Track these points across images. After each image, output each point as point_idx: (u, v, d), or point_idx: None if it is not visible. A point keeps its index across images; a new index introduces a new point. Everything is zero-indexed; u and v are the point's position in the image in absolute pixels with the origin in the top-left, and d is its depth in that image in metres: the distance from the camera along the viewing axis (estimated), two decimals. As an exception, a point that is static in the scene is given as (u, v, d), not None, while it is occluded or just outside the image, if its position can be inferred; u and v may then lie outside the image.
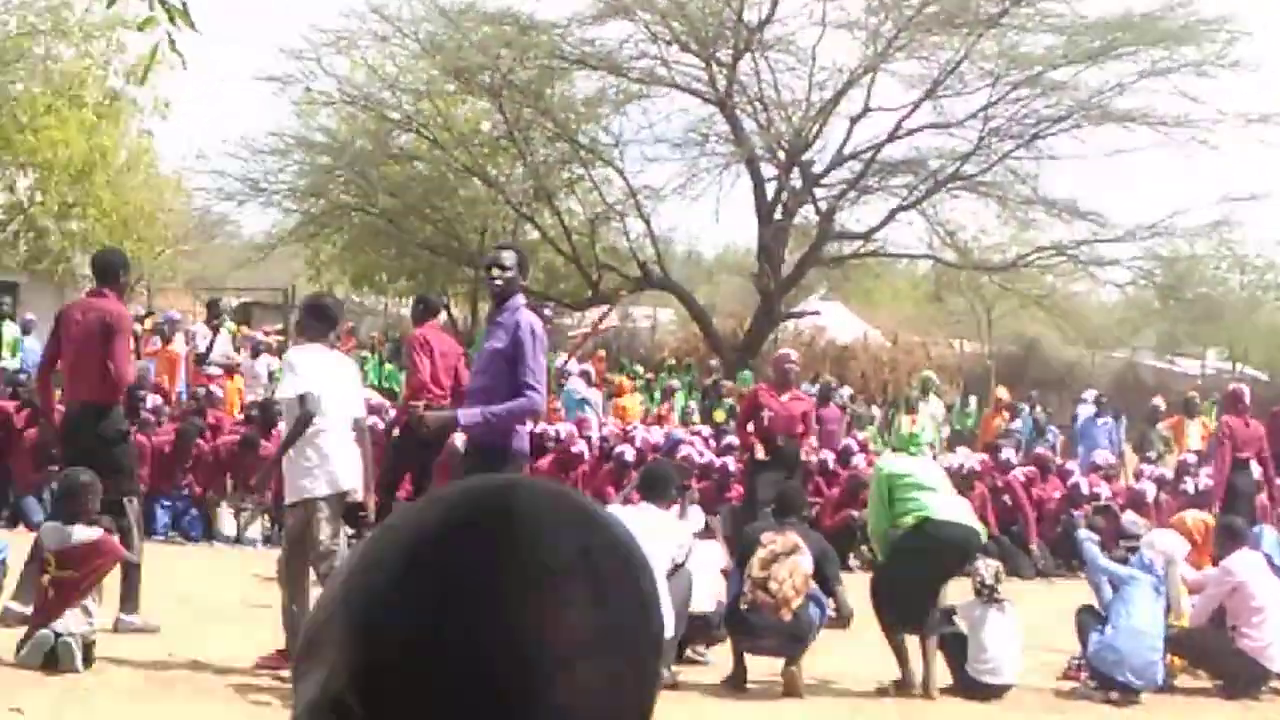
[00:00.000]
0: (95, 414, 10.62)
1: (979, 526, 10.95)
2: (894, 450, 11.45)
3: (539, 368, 9.27)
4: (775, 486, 13.71)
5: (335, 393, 9.62)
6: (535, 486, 1.24)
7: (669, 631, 9.51)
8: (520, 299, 9.47)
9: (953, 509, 10.76)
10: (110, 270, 10.90)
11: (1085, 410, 25.83)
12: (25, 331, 22.12)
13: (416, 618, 1.14)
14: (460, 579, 1.15)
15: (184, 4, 5.02)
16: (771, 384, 16.00)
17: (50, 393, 11.49)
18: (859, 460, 18.77)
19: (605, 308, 19.46)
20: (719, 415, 24.74)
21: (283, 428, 10.21)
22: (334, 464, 9.52)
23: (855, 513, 16.38)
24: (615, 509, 10.41)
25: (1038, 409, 26.50)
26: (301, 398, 9.40)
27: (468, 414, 9.33)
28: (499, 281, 9.46)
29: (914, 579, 10.53)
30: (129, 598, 10.54)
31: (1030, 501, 18.72)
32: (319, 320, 10.09)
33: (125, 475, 10.77)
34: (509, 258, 9.61)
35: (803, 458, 15.88)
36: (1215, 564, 11.87)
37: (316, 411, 9.40)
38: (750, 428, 15.44)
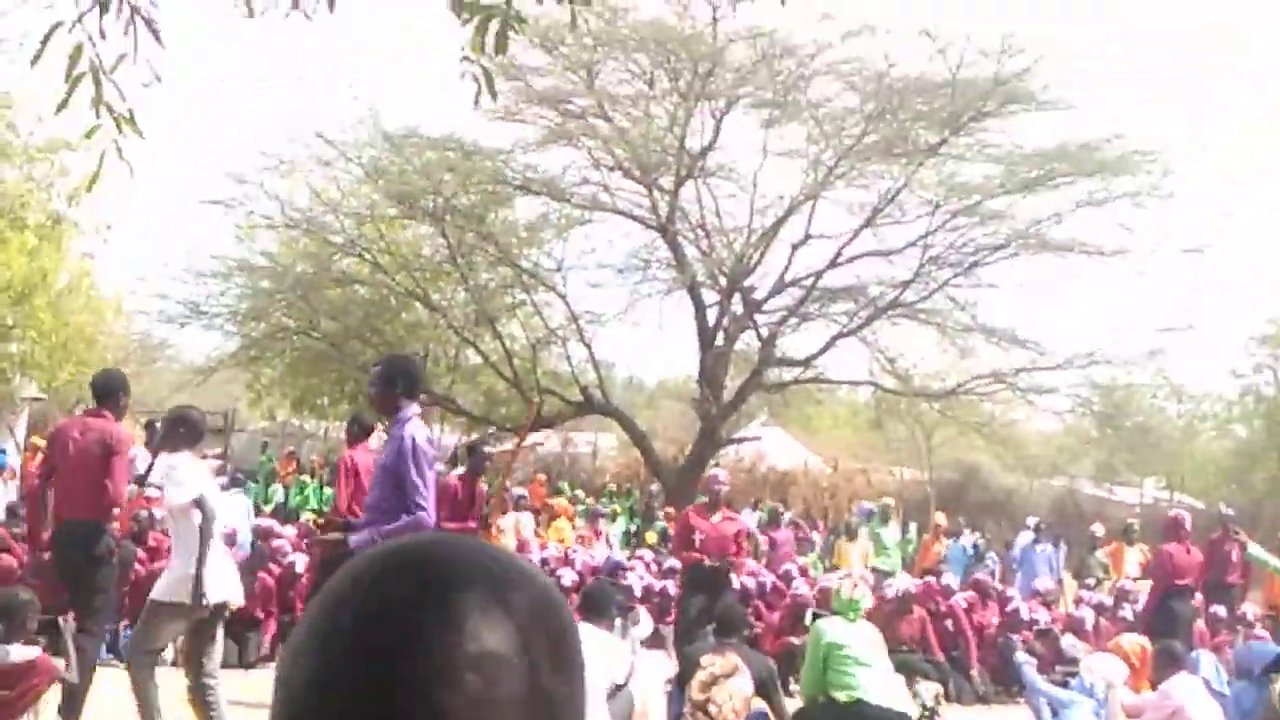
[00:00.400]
0: (90, 532, 10.74)
1: (910, 710, 10.87)
2: (834, 612, 11.41)
3: (423, 482, 9.17)
4: (703, 607, 13.77)
5: (214, 501, 9.82)
6: (451, 537, 1.40)
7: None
8: (408, 412, 9.36)
9: (887, 691, 10.73)
10: (110, 391, 11.12)
11: (1025, 537, 25.99)
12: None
13: (324, 654, 1.29)
14: (367, 612, 1.30)
15: (130, 112, 5.07)
16: (701, 506, 16.01)
17: (40, 510, 11.49)
18: (800, 585, 18.75)
19: (526, 426, 19.48)
20: (650, 537, 24.82)
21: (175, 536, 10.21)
22: (212, 574, 9.69)
23: (796, 640, 16.34)
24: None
25: (976, 534, 26.61)
26: (197, 501, 9.53)
27: (358, 536, 9.32)
28: (373, 395, 9.54)
29: None
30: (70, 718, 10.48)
31: (971, 626, 18.76)
32: (189, 430, 10.22)
33: (106, 595, 10.94)
34: (375, 371, 9.65)
35: (735, 579, 15.89)
36: (1153, 688, 11.90)
37: (214, 515, 9.53)
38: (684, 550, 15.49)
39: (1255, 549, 15.47)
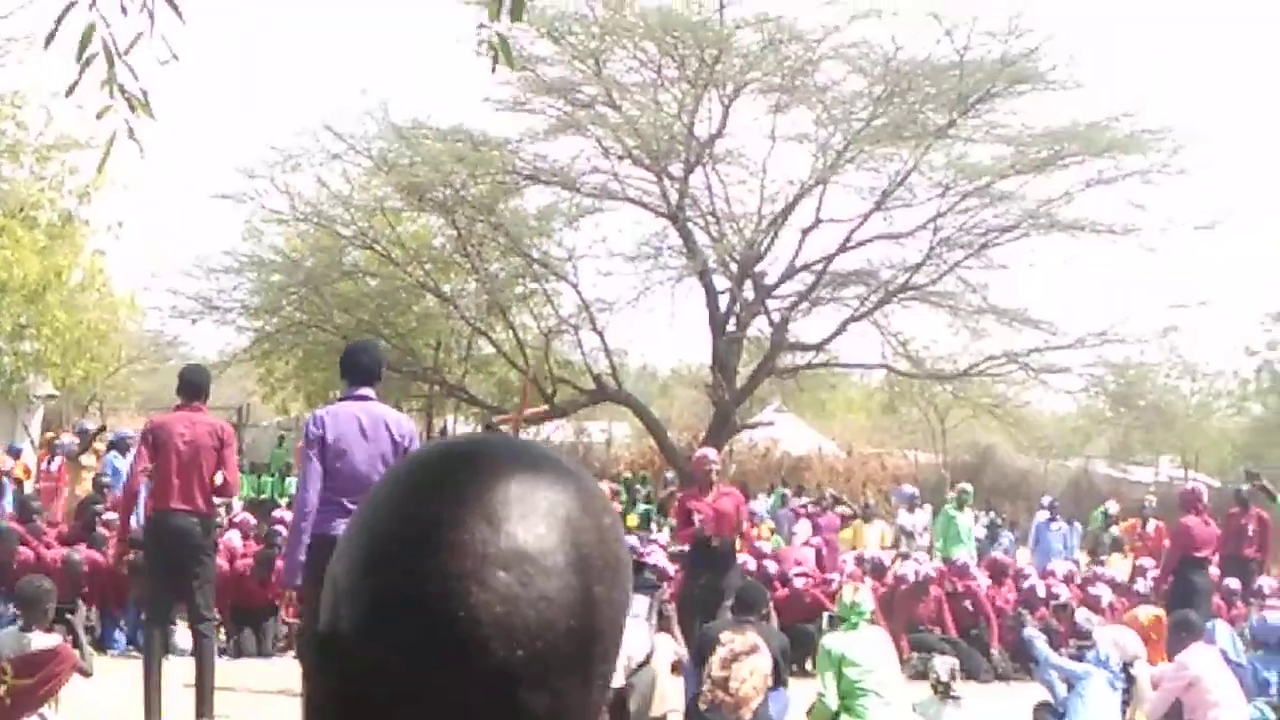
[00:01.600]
0: (202, 524, 10.90)
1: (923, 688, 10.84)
2: (837, 618, 11.40)
3: (302, 467, 9.72)
4: (712, 587, 13.83)
5: None
6: (496, 436, 1.40)
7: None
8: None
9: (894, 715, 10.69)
10: (203, 385, 11.39)
11: (1040, 516, 26.04)
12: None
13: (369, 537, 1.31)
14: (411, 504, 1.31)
15: (144, 94, 5.09)
16: (695, 488, 15.99)
17: (131, 508, 11.61)
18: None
19: (524, 398, 19.47)
20: (631, 520, 24.95)
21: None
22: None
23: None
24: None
25: (991, 514, 26.64)
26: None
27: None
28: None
29: None
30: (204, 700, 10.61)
31: (989, 605, 18.83)
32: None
33: (212, 587, 11.14)
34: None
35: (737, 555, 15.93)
36: (1170, 659, 11.91)
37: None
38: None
39: None
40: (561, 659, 1.26)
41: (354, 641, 1.27)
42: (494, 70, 5.46)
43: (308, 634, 1.32)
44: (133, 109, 5.09)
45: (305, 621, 11.47)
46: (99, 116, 5.12)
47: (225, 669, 12.20)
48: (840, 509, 26.81)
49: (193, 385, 11.28)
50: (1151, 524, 24.00)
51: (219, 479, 10.93)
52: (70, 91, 5.02)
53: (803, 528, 25.37)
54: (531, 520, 1.27)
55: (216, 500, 11.34)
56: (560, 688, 1.26)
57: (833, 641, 10.94)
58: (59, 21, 4.75)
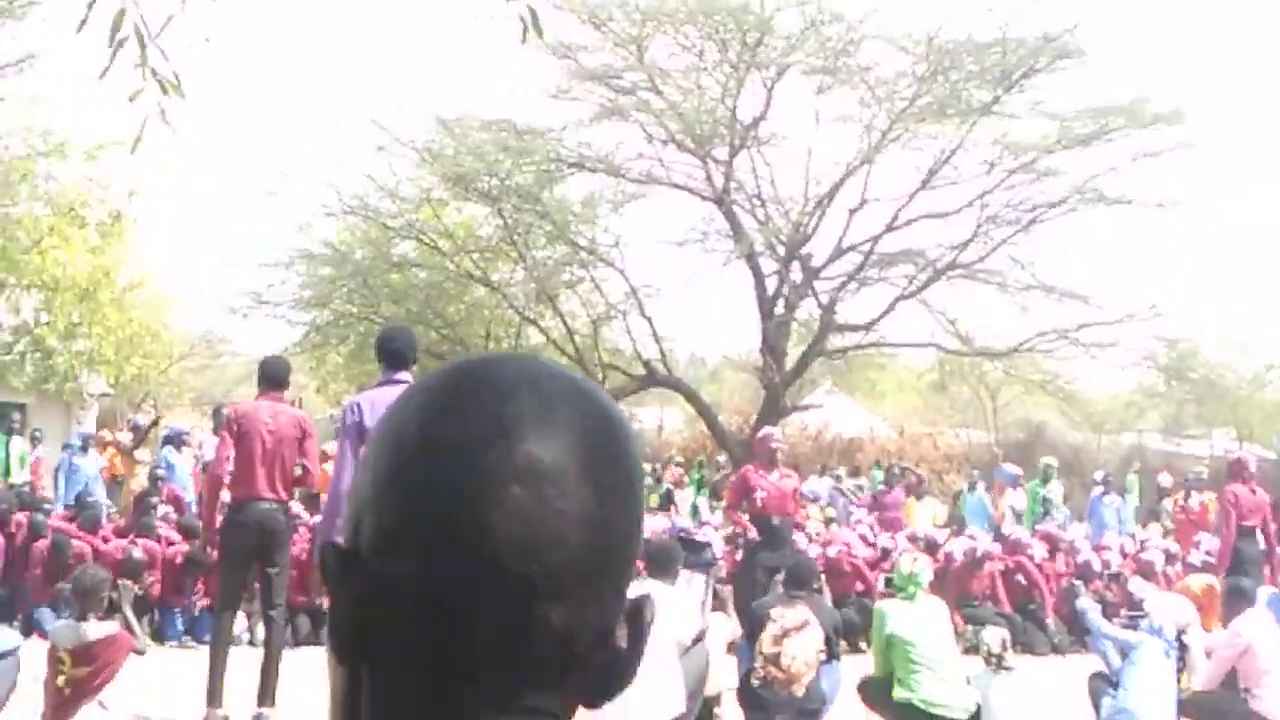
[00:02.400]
0: (285, 512, 11.08)
1: (970, 703, 10.78)
2: (894, 585, 11.37)
3: (339, 454, 9.68)
4: (773, 566, 13.83)
5: None
6: (514, 355, 1.42)
7: (679, 709, 9.54)
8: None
9: (945, 690, 10.64)
10: (284, 376, 11.64)
11: (1095, 491, 25.97)
12: (35, 443, 22.26)
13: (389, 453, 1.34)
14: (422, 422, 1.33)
15: (176, 76, 5.14)
16: (759, 465, 16.00)
17: (219, 495, 11.69)
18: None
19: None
20: (653, 500, 24.94)
21: None
22: None
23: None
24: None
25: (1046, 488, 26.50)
26: None
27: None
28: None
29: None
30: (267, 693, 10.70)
31: (1043, 578, 18.82)
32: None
33: (287, 575, 11.27)
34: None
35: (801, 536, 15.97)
36: (1224, 626, 11.88)
37: None
38: (745, 509, 15.54)
39: None
40: (576, 572, 1.29)
41: (373, 555, 1.31)
42: (524, 41, 5.47)
43: (327, 547, 1.35)
44: (165, 91, 5.14)
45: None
46: (131, 99, 5.16)
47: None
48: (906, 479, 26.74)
49: (274, 376, 11.41)
50: (1195, 498, 23.81)
51: (299, 469, 11.04)
52: (104, 75, 5.07)
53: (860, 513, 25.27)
54: (546, 437, 1.29)
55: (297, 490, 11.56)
56: (575, 600, 1.29)
57: (889, 611, 10.93)
58: (90, 6, 4.81)
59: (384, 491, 1.31)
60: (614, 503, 1.32)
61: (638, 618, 1.36)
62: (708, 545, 15.16)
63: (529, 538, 1.26)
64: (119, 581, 10.49)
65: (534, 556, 1.26)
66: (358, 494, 1.34)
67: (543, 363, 1.39)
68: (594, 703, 1.37)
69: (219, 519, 11.58)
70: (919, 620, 10.77)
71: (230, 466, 11.00)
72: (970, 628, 16.22)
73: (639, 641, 1.37)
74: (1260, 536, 17.00)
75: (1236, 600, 11.74)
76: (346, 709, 1.35)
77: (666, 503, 25.41)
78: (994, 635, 10.86)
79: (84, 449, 22.75)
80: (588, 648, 1.32)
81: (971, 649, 12.99)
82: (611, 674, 1.36)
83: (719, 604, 12.80)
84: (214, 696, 10.53)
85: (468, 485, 1.27)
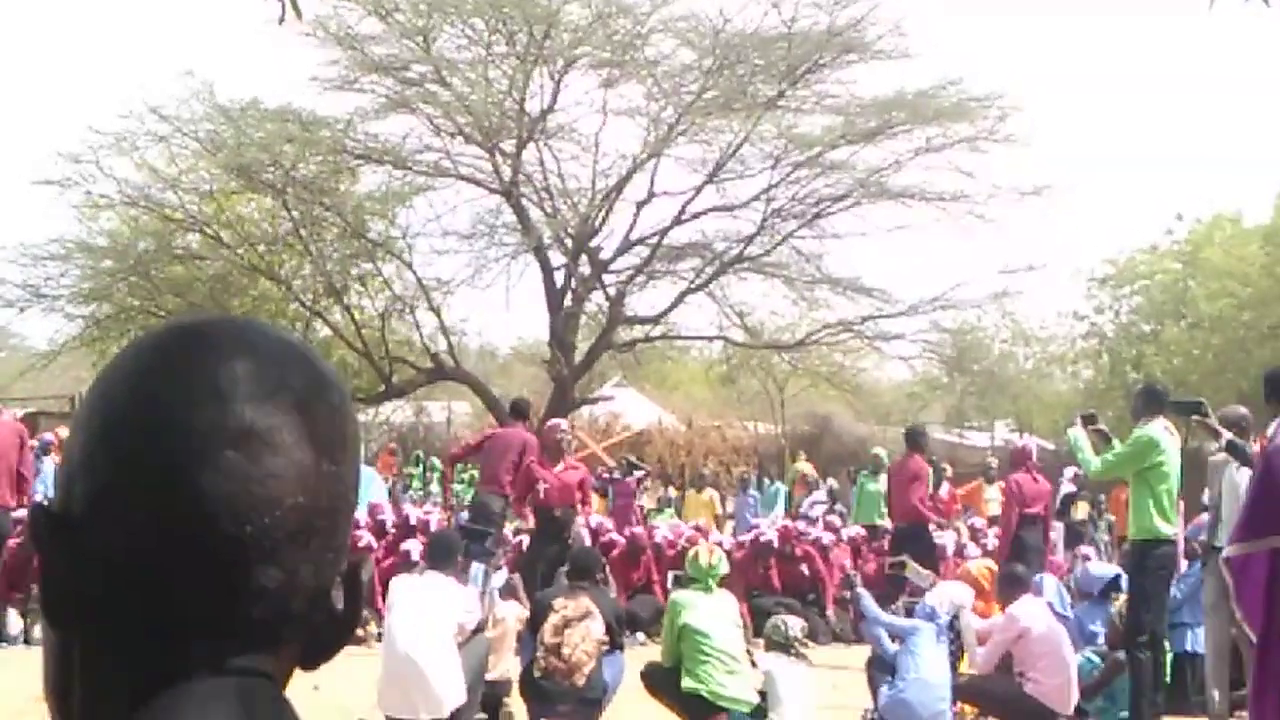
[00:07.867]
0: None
1: (752, 696, 10.80)
2: (689, 578, 11.36)
3: None
4: (553, 556, 13.89)
5: None
6: (232, 317, 1.42)
7: (459, 699, 9.53)
8: None
9: (735, 682, 10.64)
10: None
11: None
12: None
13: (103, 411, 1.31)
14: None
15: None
16: (543, 456, 15.99)
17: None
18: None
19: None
20: None
21: None
22: None
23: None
24: (404, 579, 10.43)
25: (831, 481, 26.92)
26: None
27: None
28: None
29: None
30: None
31: (826, 567, 19.06)
32: None
33: None
34: None
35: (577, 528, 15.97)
36: (1001, 610, 12.09)
37: None
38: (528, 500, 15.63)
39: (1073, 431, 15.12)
40: (291, 534, 1.27)
41: (83, 518, 1.27)
42: (281, 22, 5.40)
43: (37, 510, 1.32)
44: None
45: None
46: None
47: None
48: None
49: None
50: (945, 488, 24.00)
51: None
52: None
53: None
54: (260, 399, 1.27)
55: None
56: (290, 562, 1.27)
57: (683, 601, 10.93)
58: None
59: (94, 453, 1.28)
60: (329, 465, 1.30)
61: (355, 579, 1.35)
62: (489, 534, 15.10)
63: (242, 500, 1.24)
64: None
65: (246, 519, 1.24)
66: (69, 456, 1.31)
67: (260, 324, 1.37)
68: (310, 664, 1.35)
69: None
70: (713, 610, 10.80)
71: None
72: (773, 617, 16.35)
73: (356, 603, 1.35)
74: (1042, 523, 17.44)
75: (1013, 586, 11.94)
76: (60, 673, 1.32)
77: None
78: (794, 623, 11.01)
79: None
80: (303, 609, 1.29)
81: (760, 636, 13.07)
82: (329, 635, 1.34)
83: (512, 593, 12.76)
84: None
85: (180, 448, 1.24)
